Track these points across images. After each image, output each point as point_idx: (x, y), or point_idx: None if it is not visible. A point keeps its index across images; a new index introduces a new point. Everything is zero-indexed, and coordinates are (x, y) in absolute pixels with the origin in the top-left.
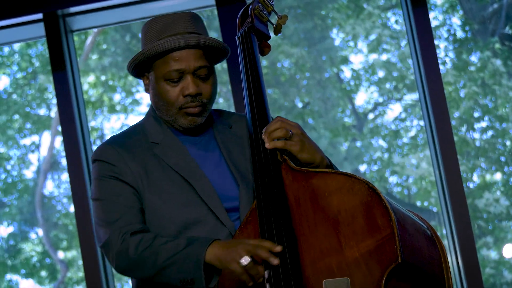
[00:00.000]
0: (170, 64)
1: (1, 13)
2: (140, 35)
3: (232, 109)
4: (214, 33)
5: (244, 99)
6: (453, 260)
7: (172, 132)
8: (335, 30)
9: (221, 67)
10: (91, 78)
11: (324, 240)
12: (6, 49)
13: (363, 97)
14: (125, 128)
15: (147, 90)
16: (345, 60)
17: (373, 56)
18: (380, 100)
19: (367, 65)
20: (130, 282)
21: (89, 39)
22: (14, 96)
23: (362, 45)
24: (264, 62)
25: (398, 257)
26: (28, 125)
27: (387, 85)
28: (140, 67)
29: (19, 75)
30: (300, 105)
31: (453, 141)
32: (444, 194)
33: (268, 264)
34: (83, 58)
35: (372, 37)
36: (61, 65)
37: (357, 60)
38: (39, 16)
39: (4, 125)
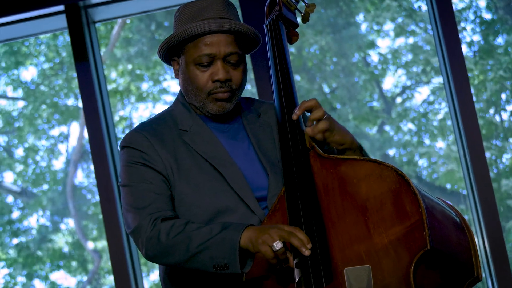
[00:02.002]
0: (201, 48)
1: (23, 5)
2: (165, 24)
3: (256, 97)
4: None
5: (272, 87)
6: (480, 244)
7: (201, 119)
8: (361, 15)
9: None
10: (119, 67)
11: (353, 227)
12: (32, 40)
13: (390, 81)
14: (154, 115)
15: (176, 76)
16: (372, 45)
17: (400, 40)
18: (408, 83)
19: (394, 49)
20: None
21: (115, 29)
22: (42, 87)
23: (388, 28)
24: (291, 49)
25: (426, 243)
26: (57, 116)
27: (414, 69)
28: (171, 51)
29: (46, 66)
30: (327, 90)
31: (477, 124)
32: (469, 178)
33: (297, 252)
34: (110, 48)
35: (399, 20)
36: (83, 56)
37: (384, 44)
38: (61, 8)
39: (32, 116)
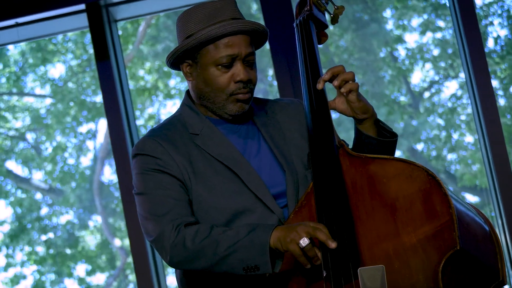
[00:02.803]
0: (222, 50)
1: (44, 4)
2: (178, 24)
3: (277, 93)
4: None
5: (301, 86)
6: (502, 241)
7: (211, 121)
8: (387, 10)
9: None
10: (146, 64)
11: (381, 226)
12: (60, 37)
13: (418, 76)
14: (162, 121)
15: (188, 78)
16: (399, 40)
17: (428, 35)
18: (436, 78)
19: (421, 44)
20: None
21: (142, 26)
22: (70, 84)
23: (415, 24)
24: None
25: (456, 244)
26: (84, 113)
27: (442, 64)
28: (183, 55)
29: (74, 63)
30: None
31: (499, 122)
32: (492, 175)
33: (325, 248)
34: (136, 46)
35: (425, 16)
36: (105, 54)
37: (411, 39)
38: (82, 6)
39: (59, 113)
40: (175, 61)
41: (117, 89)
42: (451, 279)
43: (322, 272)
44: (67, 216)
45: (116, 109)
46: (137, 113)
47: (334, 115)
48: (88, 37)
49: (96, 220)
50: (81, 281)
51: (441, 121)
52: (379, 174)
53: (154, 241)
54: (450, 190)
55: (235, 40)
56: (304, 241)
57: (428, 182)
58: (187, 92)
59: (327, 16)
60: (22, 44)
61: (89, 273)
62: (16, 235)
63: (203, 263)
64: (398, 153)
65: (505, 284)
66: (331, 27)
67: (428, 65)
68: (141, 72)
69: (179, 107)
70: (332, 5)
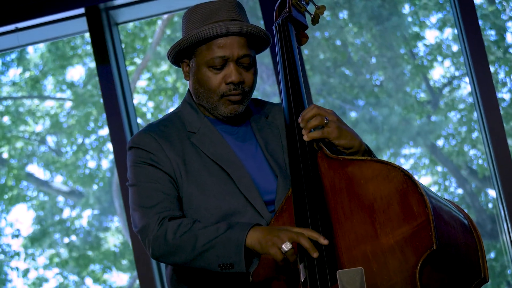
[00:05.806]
0: (214, 51)
1: (44, 9)
2: (182, 22)
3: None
4: (255, 20)
5: (280, 88)
6: (507, 240)
7: (209, 121)
8: (406, 6)
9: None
10: (163, 65)
11: (360, 227)
12: (79, 40)
13: (438, 72)
14: (161, 117)
15: (186, 77)
16: (418, 36)
17: (448, 31)
18: (456, 74)
19: (440, 40)
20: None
21: (158, 27)
22: (89, 87)
23: (434, 20)
24: (337, 41)
25: (433, 244)
26: (104, 115)
27: (461, 59)
28: (181, 54)
29: (93, 65)
30: (373, 83)
31: (501, 122)
32: (494, 169)
33: (303, 253)
34: (153, 47)
35: (444, 12)
36: (104, 58)
37: (431, 36)
38: (82, 10)
39: (80, 116)
40: (177, 60)
41: (118, 93)
42: (431, 279)
43: (300, 277)
44: (88, 218)
45: (117, 113)
46: (157, 113)
47: None
48: None
49: (116, 221)
50: (103, 282)
51: (461, 117)
52: (357, 175)
53: (139, 232)
54: (428, 189)
55: (227, 41)
56: (287, 246)
57: (404, 182)
58: (189, 90)
59: (308, 17)
60: (42, 47)
61: (111, 274)
62: (38, 238)
63: (182, 257)
64: (417, 150)
65: (487, 281)
66: (350, 24)
67: (448, 61)
68: (160, 73)
69: (180, 103)
70: (313, 5)
